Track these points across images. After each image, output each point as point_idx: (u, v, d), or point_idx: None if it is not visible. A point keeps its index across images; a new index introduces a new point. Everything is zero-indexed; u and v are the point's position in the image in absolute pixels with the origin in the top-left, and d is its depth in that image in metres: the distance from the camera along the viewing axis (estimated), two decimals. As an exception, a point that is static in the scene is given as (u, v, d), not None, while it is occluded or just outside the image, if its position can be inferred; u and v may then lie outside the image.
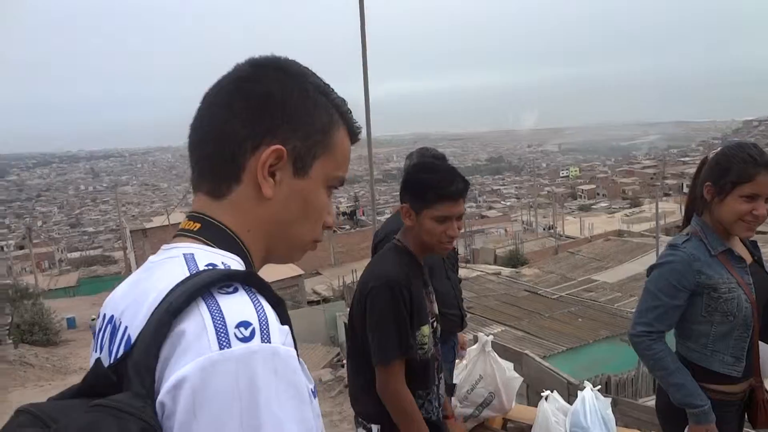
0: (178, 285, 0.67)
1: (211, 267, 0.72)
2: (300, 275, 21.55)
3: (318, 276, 26.59)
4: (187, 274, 0.70)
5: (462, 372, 3.16)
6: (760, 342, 2.02)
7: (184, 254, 0.75)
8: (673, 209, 48.27)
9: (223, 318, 0.64)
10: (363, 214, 40.88)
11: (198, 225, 0.80)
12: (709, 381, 1.95)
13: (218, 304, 0.66)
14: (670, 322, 1.97)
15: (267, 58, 0.84)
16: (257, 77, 0.81)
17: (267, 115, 0.80)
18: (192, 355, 0.63)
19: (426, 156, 2.90)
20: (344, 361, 12.39)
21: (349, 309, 2.20)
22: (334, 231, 30.23)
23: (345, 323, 14.67)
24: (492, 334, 11.41)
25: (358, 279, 2.03)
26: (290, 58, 0.86)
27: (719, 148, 1.97)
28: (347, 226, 38.54)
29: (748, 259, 2.00)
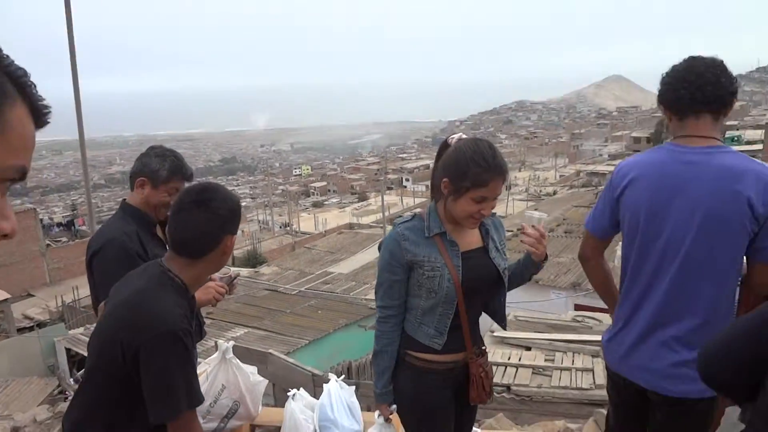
0: None
1: None
2: (5, 300, 18.38)
3: (30, 298, 23.06)
4: None
5: (203, 385, 2.94)
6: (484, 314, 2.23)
7: None
8: (395, 201, 52.99)
9: None
10: (84, 224, 36.77)
11: None
12: (415, 350, 2.13)
13: None
14: (397, 295, 2.12)
15: None
16: None
17: None
18: None
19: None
20: (67, 394, 10.94)
21: (88, 336, 1.80)
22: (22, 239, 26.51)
23: (68, 349, 12.98)
24: (234, 338, 11.08)
25: (116, 314, 1.67)
26: None
27: (459, 140, 2.08)
28: (64, 239, 34.26)
29: (474, 245, 2.15)
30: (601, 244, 2.22)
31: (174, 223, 1.72)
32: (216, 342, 3.32)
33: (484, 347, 2.26)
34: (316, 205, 68.07)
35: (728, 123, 61.60)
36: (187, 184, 2.42)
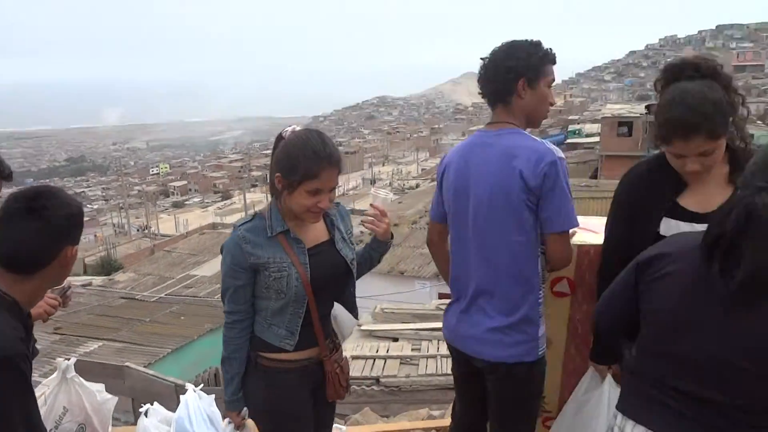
0: None
1: None
2: None
3: None
4: None
5: (42, 409, 2.65)
6: (341, 308, 2.20)
7: None
8: (260, 199, 51.85)
9: None
10: None
11: None
12: (266, 351, 2.08)
13: None
14: (243, 299, 2.05)
15: None
16: None
17: None
18: None
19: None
20: None
21: None
22: None
23: None
24: (87, 354, 10.26)
25: None
26: None
27: (291, 133, 2.02)
28: None
29: (320, 238, 2.12)
30: (442, 228, 2.31)
31: (0, 234, 1.50)
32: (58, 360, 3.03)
33: (337, 340, 2.24)
34: (177, 205, 65.03)
35: (570, 117, 67.01)
36: (5, 185, 2.14)
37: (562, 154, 1.98)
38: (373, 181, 48.81)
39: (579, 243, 2.26)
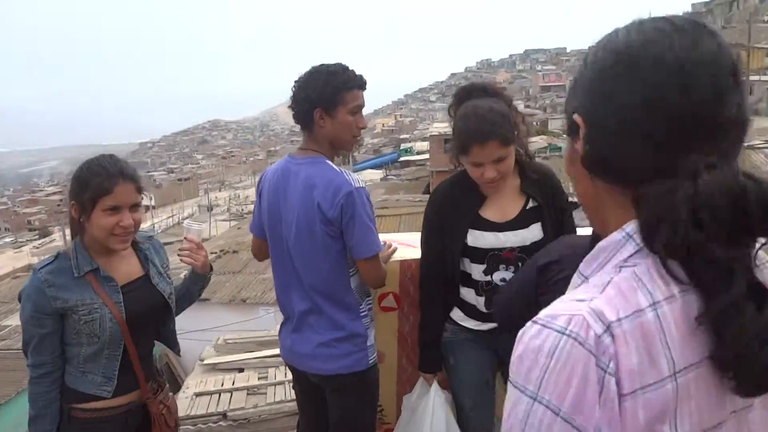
0: None
1: None
2: None
3: None
4: None
5: None
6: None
7: None
8: (85, 234, 47.71)
9: None
10: None
11: None
12: (81, 401, 1.93)
13: None
14: (50, 349, 1.89)
15: None
16: None
17: None
18: None
19: None
20: None
21: None
22: None
23: None
24: None
25: None
26: None
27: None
28: None
29: (134, 275, 2.04)
30: (261, 243, 2.34)
31: None
32: None
33: (162, 379, 2.16)
34: (-16, 247, 57.70)
35: (402, 136, 70.09)
36: None
37: (361, 184, 2.05)
38: (210, 208, 47.14)
39: (401, 258, 2.40)
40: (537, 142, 41.03)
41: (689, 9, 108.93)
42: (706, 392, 0.70)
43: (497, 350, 2.21)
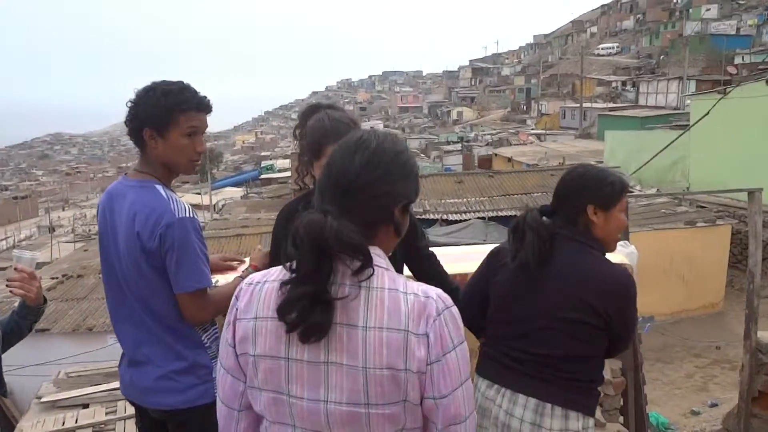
0: None
1: None
2: None
3: None
4: None
5: None
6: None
7: None
8: None
9: None
10: None
11: None
12: None
13: None
14: None
15: None
16: None
17: None
18: None
19: None
20: None
21: None
22: None
23: None
24: None
25: None
26: None
27: None
28: None
29: None
30: None
31: None
32: None
33: None
34: None
35: (263, 153, 69.13)
36: None
37: (188, 214, 1.92)
38: (51, 229, 43.29)
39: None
40: (396, 160, 42.31)
41: (531, 40, 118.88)
42: (273, 333, 1.21)
43: None
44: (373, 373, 1.15)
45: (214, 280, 2.10)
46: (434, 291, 1.20)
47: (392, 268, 1.24)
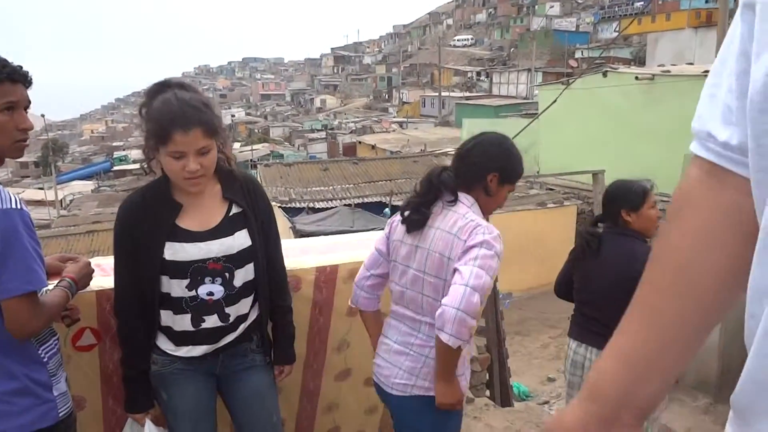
0: None
1: None
2: None
3: None
4: None
5: None
6: None
7: None
8: None
9: None
10: None
11: None
12: None
13: None
14: None
15: None
16: None
17: None
18: None
19: None
20: None
21: None
22: None
23: None
24: None
25: None
26: None
27: None
28: None
29: None
30: None
31: None
32: None
33: None
34: None
35: (115, 144, 64.45)
36: None
37: (13, 204, 1.64)
38: None
39: (97, 288, 2.07)
40: (260, 149, 41.48)
41: (391, 30, 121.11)
42: (401, 229, 2.11)
43: (214, 373, 2.06)
44: (431, 255, 1.97)
45: (50, 285, 1.82)
46: (486, 226, 1.92)
47: (475, 206, 2.03)
